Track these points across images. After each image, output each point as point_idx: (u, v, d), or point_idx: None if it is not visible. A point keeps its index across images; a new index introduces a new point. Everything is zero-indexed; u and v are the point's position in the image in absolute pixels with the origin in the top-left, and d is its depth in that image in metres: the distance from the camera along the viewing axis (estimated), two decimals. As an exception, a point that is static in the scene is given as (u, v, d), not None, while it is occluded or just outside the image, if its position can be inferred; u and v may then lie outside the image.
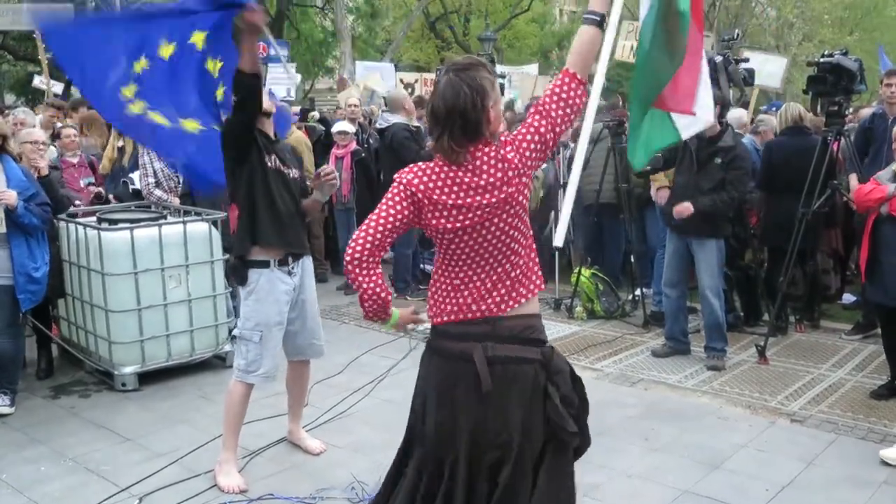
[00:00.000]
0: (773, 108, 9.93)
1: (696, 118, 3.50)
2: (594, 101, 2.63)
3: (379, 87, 11.89)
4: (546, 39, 34.31)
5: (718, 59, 6.39)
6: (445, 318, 2.47)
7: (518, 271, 2.45)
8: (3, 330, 4.88)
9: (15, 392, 5.02)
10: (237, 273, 3.98)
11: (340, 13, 22.09)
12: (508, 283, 2.43)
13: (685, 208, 5.48)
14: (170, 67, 3.81)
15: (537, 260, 2.53)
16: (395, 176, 2.43)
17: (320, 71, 31.75)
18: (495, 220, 2.37)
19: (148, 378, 5.39)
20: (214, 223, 5.60)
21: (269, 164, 3.88)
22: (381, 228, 2.36)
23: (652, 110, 3.36)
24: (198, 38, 3.74)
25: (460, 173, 2.36)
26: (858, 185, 5.12)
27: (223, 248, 5.63)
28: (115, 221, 5.37)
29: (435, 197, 2.36)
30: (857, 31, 29.53)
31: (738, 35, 7.02)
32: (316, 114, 9.01)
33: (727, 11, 25.17)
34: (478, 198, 2.34)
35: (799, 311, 6.74)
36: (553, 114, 2.42)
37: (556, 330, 6.77)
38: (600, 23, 2.52)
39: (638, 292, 7.25)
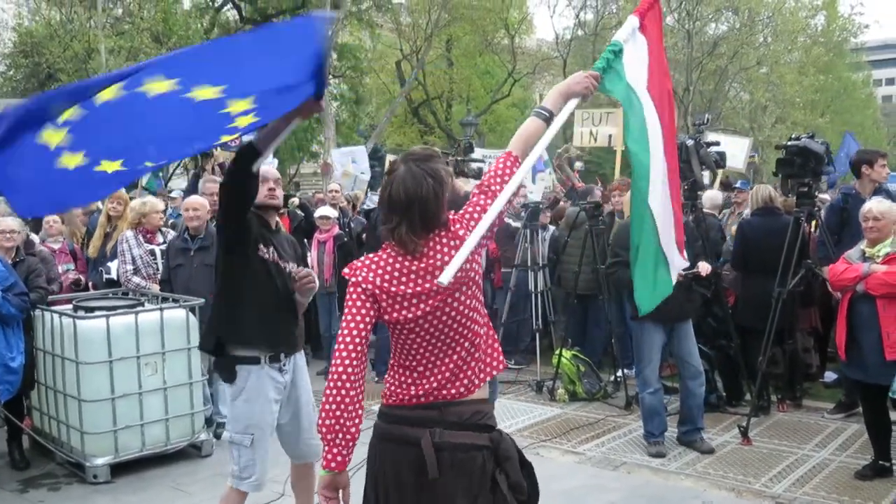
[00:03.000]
0: (747, 187, 10.13)
1: (681, 260, 3.25)
2: (524, 170, 2.56)
3: (352, 171, 12.07)
4: (526, 123, 35.08)
5: (690, 142, 6.54)
6: (394, 401, 2.44)
7: (479, 353, 2.46)
8: (-25, 422, 4.79)
9: (-17, 486, 4.89)
10: (224, 370, 3.76)
11: (325, 99, 22.56)
12: (466, 368, 2.43)
13: (707, 267, 5.63)
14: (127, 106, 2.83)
15: (496, 337, 2.54)
16: (347, 273, 2.39)
17: (305, 156, 32.20)
18: (453, 302, 2.38)
19: (120, 469, 5.26)
20: (192, 310, 5.57)
21: (266, 255, 3.68)
22: (356, 339, 2.32)
23: (658, 250, 3.07)
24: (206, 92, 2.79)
25: (414, 261, 2.36)
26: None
27: (201, 335, 5.59)
28: (91, 309, 5.34)
29: (393, 289, 2.35)
30: (828, 114, 30.47)
31: (707, 119, 7.19)
32: (296, 200, 9.09)
33: (701, 95, 25.92)
34: (435, 281, 2.34)
35: (781, 391, 6.72)
36: (492, 186, 2.50)
37: (537, 413, 6.70)
38: (548, 118, 2.66)
39: (619, 373, 7.22)
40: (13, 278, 4.88)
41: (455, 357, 2.42)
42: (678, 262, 3.17)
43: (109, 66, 19.59)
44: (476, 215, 2.44)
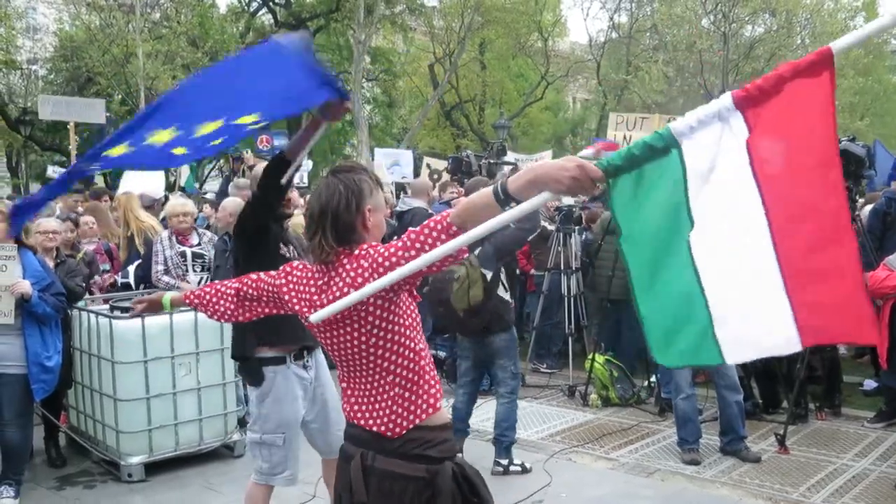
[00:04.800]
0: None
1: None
2: (448, 249, 2.13)
3: (384, 177, 12.11)
4: (559, 126, 35.01)
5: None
6: (346, 416, 2.45)
7: (395, 391, 2.30)
8: (12, 420, 4.85)
9: (20, 483, 4.95)
10: (251, 374, 3.77)
11: (358, 103, 22.68)
12: (383, 401, 2.31)
13: None
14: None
15: (430, 381, 2.37)
16: (286, 266, 2.53)
17: (338, 158, 32.44)
18: (345, 333, 2.29)
19: (154, 468, 5.31)
20: (226, 310, 5.61)
21: (287, 254, 3.76)
22: (239, 282, 2.65)
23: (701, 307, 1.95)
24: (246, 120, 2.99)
25: (321, 281, 2.35)
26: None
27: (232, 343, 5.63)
28: (127, 309, 5.38)
29: (296, 307, 2.43)
30: (867, 117, 29.89)
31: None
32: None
33: (738, 98, 25.54)
34: (308, 315, 2.37)
35: (819, 398, 6.59)
36: (411, 250, 2.17)
37: (569, 418, 6.65)
38: (504, 202, 2.03)
39: (653, 379, 7.13)
40: (51, 278, 4.94)
41: (361, 379, 2.34)
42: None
43: (147, 69, 19.91)
44: (386, 263, 2.19)
